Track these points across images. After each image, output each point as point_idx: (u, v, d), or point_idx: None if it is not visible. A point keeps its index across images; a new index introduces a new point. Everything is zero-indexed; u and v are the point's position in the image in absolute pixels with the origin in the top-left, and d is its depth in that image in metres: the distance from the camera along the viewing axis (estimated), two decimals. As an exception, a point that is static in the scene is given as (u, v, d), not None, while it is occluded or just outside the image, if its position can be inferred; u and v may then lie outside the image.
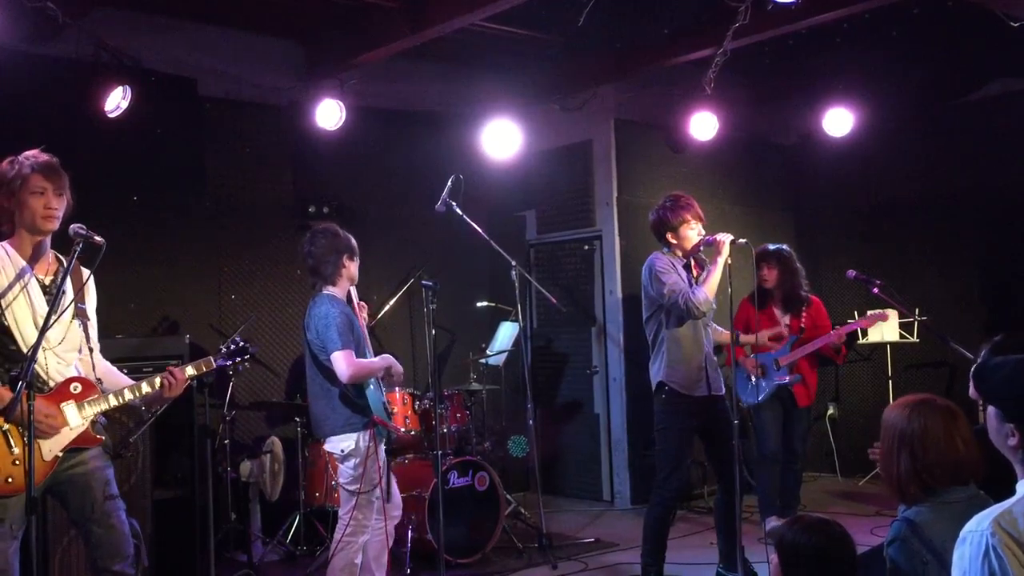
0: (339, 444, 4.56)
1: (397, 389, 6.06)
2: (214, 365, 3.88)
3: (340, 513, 4.64)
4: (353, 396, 4.56)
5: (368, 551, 4.66)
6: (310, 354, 4.64)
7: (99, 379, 3.67)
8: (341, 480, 4.61)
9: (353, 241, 4.76)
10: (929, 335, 7.20)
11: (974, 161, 7.78)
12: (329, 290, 4.66)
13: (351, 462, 4.54)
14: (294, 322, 7.03)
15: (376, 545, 4.70)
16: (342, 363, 4.44)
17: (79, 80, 5.60)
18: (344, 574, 4.52)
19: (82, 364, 3.69)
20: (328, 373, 4.55)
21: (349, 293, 4.81)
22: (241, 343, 4.06)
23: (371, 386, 4.61)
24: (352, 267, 4.73)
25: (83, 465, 3.57)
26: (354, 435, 4.54)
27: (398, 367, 4.72)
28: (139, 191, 6.25)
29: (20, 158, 3.58)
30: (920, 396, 2.70)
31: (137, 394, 3.66)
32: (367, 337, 4.85)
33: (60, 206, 3.57)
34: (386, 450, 4.63)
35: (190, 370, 3.78)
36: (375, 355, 4.79)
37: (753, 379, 6.23)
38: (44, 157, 3.60)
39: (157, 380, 3.68)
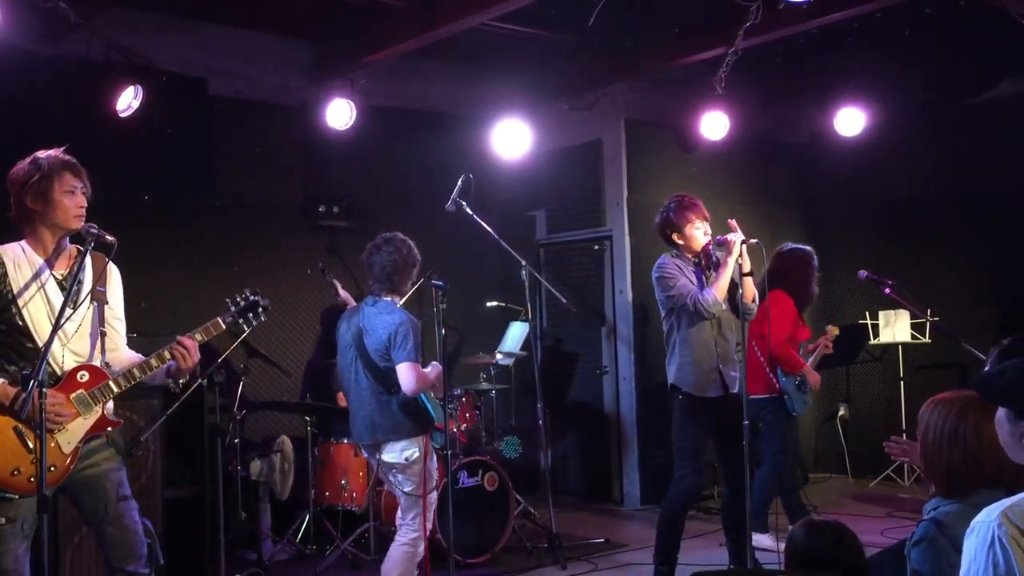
0: (404, 452, 4.58)
1: None
2: (223, 326, 3.78)
3: (407, 519, 4.63)
4: (414, 404, 4.58)
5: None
6: (365, 359, 4.59)
7: (107, 363, 3.61)
8: (406, 488, 4.60)
9: None
10: (941, 335, 7.16)
11: (986, 161, 7.73)
12: (393, 298, 4.65)
13: (416, 468, 4.58)
14: (304, 321, 7.05)
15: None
16: (410, 374, 4.44)
17: (90, 80, 5.62)
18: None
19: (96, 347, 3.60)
20: (386, 380, 4.55)
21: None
22: (251, 296, 3.89)
23: (429, 394, 4.65)
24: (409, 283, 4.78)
25: (96, 467, 3.55)
26: (417, 441, 4.59)
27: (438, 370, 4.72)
28: (150, 190, 6.27)
29: (42, 158, 3.51)
30: (966, 392, 2.60)
31: (148, 371, 3.58)
32: None
33: (85, 204, 3.55)
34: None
35: (199, 336, 3.69)
36: None
37: (807, 387, 6.27)
38: (64, 155, 3.55)
39: (166, 352, 3.58)
